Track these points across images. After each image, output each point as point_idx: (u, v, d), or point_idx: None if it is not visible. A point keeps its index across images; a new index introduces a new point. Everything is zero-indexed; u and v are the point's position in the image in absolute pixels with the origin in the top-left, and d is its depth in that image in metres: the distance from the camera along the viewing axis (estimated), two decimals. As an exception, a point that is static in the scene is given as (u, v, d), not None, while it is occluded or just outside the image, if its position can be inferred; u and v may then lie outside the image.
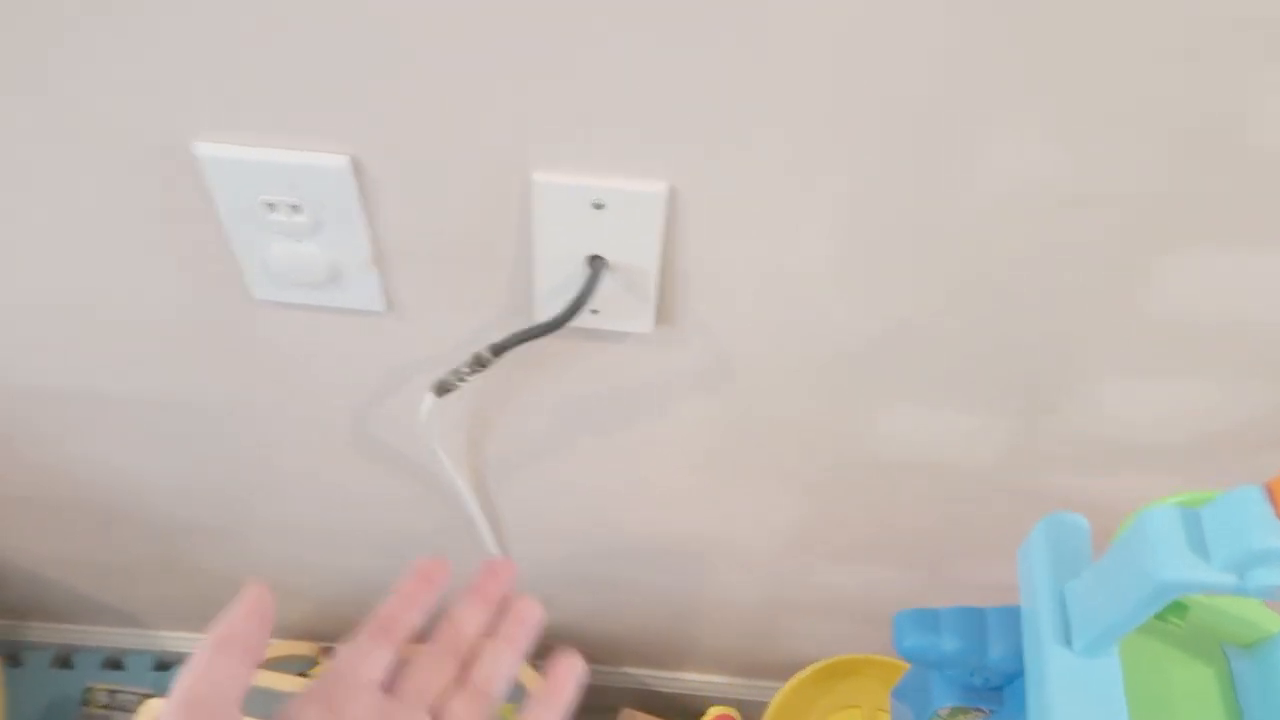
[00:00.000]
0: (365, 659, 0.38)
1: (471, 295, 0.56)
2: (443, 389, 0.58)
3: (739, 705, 1.07)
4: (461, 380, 0.57)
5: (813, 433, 0.65)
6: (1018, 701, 0.39)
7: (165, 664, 1.08)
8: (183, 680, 0.33)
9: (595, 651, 1.02)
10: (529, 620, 0.42)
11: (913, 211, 0.48)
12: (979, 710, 0.41)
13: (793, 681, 0.59)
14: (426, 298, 0.57)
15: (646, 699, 1.06)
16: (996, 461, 0.65)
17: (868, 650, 0.95)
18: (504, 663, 0.40)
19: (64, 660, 1.08)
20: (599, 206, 0.49)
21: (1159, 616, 0.39)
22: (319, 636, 1.04)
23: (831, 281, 0.53)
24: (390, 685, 0.38)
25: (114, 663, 1.08)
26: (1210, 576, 0.30)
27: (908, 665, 0.62)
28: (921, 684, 0.43)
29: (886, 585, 0.83)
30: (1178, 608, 0.39)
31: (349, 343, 0.60)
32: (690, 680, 1.05)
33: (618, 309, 0.55)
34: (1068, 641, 0.35)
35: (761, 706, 1.07)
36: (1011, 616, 0.38)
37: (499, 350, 0.54)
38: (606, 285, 0.52)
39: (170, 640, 1.08)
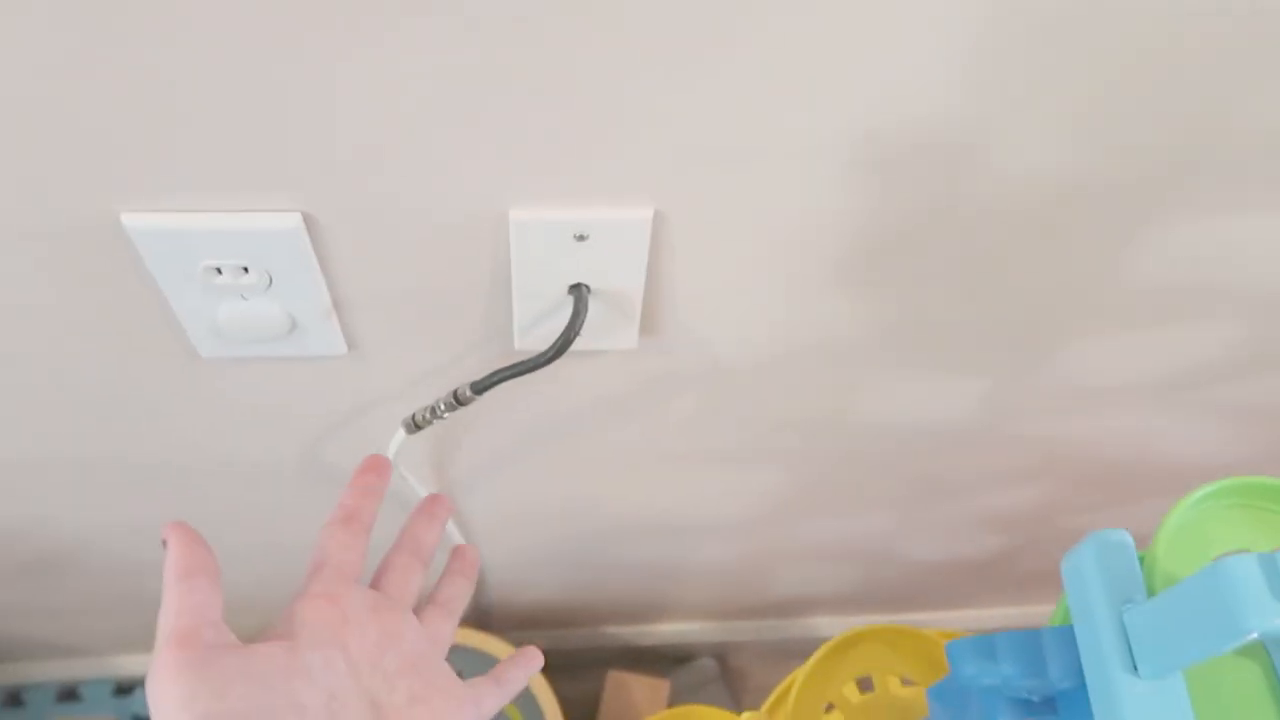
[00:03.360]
0: (348, 551, 0.41)
1: (442, 330, 0.52)
2: (415, 426, 0.55)
3: (719, 648, 1.09)
4: (437, 418, 0.53)
5: (794, 416, 0.64)
6: (1073, 713, 0.40)
7: (126, 688, 1.04)
8: (164, 624, 0.33)
9: (575, 616, 1.03)
10: (473, 559, 0.47)
11: (901, 217, 0.46)
12: (1034, 723, 0.42)
13: (809, 665, 0.60)
14: (393, 336, 0.53)
15: (630, 654, 1.08)
16: (972, 419, 0.66)
17: (840, 586, 0.98)
18: (461, 589, 0.45)
19: (14, 698, 1.02)
20: (581, 238, 0.45)
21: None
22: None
23: (820, 281, 0.51)
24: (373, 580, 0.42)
25: (69, 693, 1.03)
26: (1293, 622, 0.30)
27: (909, 629, 0.64)
28: (968, 695, 0.43)
29: (860, 529, 0.84)
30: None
31: (308, 387, 0.56)
32: (670, 631, 1.06)
33: (601, 330, 0.52)
34: (1133, 667, 0.35)
35: (740, 647, 1.10)
36: (1066, 636, 0.39)
37: (481, 389, 0.51)
38: (591, 310, 0.50)
39: (129, 664, 1.04)
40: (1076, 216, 0.48)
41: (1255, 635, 0.31)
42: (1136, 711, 0.34)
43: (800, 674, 0.60)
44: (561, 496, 0.74)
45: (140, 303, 0.48)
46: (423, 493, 0.66)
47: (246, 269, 0.45)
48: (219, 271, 0.45)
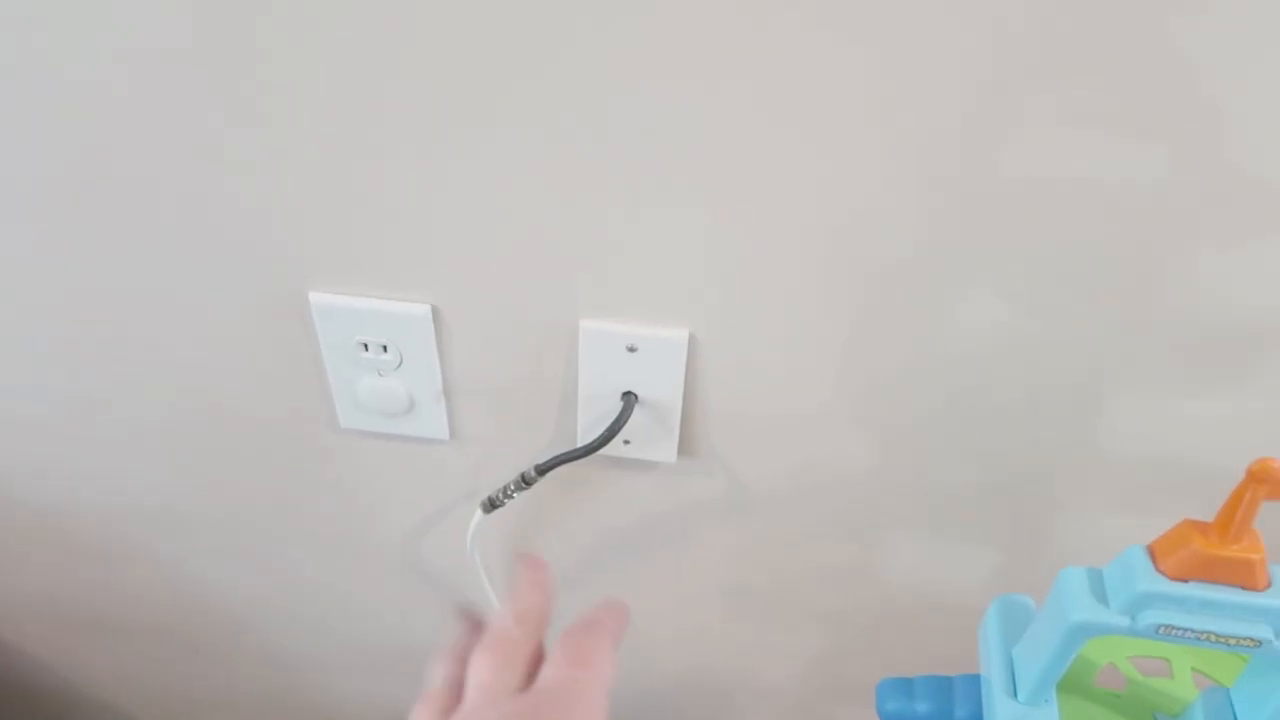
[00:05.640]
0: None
1: (522, 427, 0.66)
2: (490, 505, 0.66)
3: None
4: (508, 497, 0.65)
5: (826, 563, 0.72)
6: (982, 762, 0.45)
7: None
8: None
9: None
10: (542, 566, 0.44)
11: (899, 359, 0.57)
12: (950, 776, 0.46)
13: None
14: (484, 429, 0.66)
15: None
16: (979, 595, 0.71)
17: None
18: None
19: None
20: (632, 349, 0.59)
21: (1100, 688, 0.45)
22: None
23: (831, 420, 0.62)
24: None
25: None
26: (1110, 619, 0.37)
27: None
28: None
29: None
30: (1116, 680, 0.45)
31: (413, 469, 0.70)
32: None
33: (646, 440, 0.64)
34: (1014, 694, 0.42)
35: None
36: (973, 682, 0.45)
37: (543, 470, 0.63)
38: (637, 418, 0.62)
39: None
40: (1036, 379, 0.57)
41: (1087, 634, 0.38)
42: (1009, 727, 0.40)
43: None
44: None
45: (304, 372, 0.64)
46: (492, 593, 0.77)
47: (385, 348, 0.61)
48: (365, 348, 0.61)
